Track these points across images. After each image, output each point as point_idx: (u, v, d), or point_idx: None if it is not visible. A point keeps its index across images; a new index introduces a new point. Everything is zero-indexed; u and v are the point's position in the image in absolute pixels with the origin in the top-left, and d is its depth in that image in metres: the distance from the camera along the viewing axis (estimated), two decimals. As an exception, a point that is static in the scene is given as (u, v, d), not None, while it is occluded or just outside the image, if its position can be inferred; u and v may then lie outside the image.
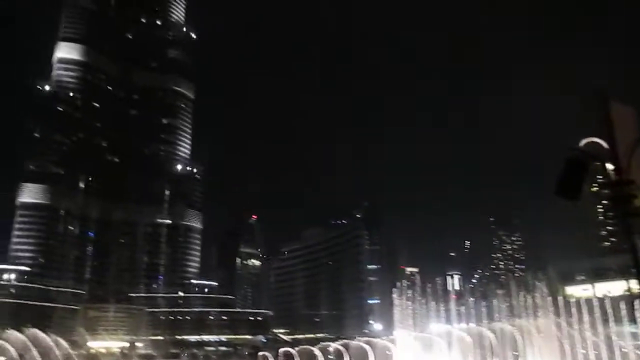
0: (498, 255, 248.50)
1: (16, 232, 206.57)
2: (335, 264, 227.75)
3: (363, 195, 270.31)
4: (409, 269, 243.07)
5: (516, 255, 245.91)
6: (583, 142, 11.09)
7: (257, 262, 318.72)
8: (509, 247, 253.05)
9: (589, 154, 9.94)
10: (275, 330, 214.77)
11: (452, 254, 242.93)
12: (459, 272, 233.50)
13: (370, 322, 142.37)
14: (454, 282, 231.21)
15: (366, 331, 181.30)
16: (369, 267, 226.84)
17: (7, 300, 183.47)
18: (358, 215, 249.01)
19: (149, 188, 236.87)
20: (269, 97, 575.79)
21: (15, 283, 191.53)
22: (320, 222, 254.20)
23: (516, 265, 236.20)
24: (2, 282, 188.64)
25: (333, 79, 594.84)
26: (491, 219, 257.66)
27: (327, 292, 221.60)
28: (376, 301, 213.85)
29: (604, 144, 10.13)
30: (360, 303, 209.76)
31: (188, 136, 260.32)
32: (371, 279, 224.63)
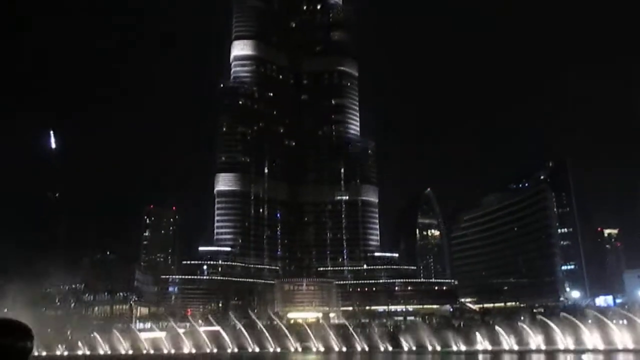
0: None
1: (217, 218, 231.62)
2: (520, 229, 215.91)
3: (545, 155, 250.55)
4: (607, 231, 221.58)
5: None
6: None
7: (436, 232, 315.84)
8: None
9: None
10: (462, 300, 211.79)
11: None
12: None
13: (567, 289, 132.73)
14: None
15: (562, 299, 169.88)
16: (560, 231, 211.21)
17: (216, 277, 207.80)
18: (542, 177, 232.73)
19: (326, 167, 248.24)
20: (431, 59, 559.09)
21: (222, 263, 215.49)
22: (499, 187, 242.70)
23: None
24: (211, 263, 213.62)
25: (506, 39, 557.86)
26: None
27: (514, 259, 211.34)
28: (571, 267, 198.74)
29: None
30: (552, 270, 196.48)
31: (356, 114, 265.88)
32: (563, 243, 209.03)
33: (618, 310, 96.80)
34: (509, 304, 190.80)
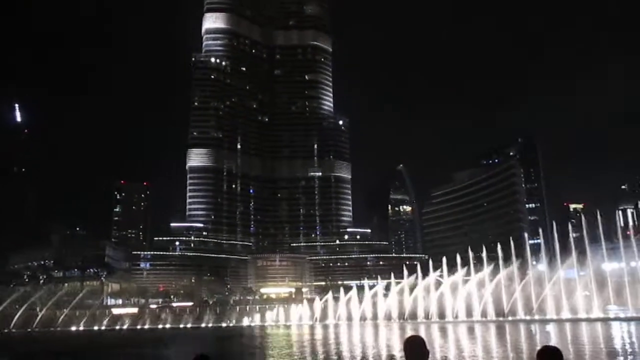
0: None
1: (189, 194, 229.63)
2: (490, 204, 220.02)
3: (516, 132, 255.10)
4: (573, 206, 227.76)
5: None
6: None
7: (408, 208, 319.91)
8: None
9: None
10: (432, 273, 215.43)
11: (624, 187, 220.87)
12: (632, 206, 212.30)
13: (533, 263, 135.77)
14: (627, 217, 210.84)
15: (529, 272, 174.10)
16: (528, 206, 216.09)
17: (189, 254, 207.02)
18: (512, 153, 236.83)
19: (299, 143, 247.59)
20: (409, 37, 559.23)
21: (194, 238, 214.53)
22: (471, 163, 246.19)
23: None
24: (183, 239, 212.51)
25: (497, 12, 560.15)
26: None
27: (484, 234, 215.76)
28: (538, 241, 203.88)
29: None
30: (520, 243, 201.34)
31: (330, 89, 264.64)
32: (531, 218, 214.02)
33: (581, 282, 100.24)
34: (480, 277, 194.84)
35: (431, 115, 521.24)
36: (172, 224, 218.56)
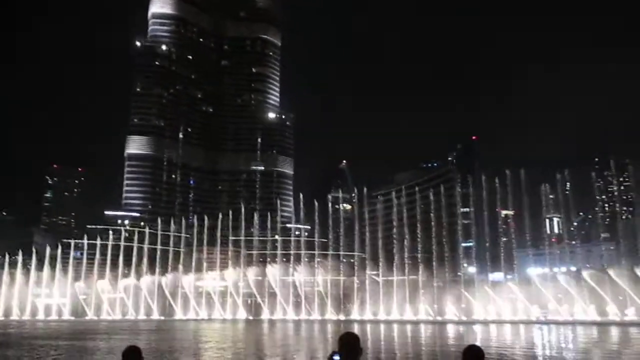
0: (603, 197, 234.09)
1: (126, 182, 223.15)
2: (426, 207, 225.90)
3: (456, 137, 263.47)
4: (504, 212, 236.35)
5: (623, 197, 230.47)
6: None
7: (348, 206, 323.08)
8: (615, 188, 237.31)
9: None
10: (368, 272, 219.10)
11: (552, 197, 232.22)
12: (558, 215, 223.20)
13: (464, 265, 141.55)
14: (554, 225, 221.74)
15: (460, 274, 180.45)
16: (463, 210, 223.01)
17: (123, 243, 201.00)
18: (450, 158, 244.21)
19: (243, 136, 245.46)
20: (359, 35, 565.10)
21: (129, 228, 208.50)
22: (412, 166, 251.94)
23: (623, 208, 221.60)
24: (118, 228, 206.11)
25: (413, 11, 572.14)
26: (596, 159, 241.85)
27: (420, 235, 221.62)
28: (470, 244, 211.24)
29: None
30: (454, 246, 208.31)
31: (277, 84, 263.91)
32: (465, 222, 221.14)
33: (507, 286, 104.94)
34: (412, 277, 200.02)
35: (376, 116, 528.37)
36: (106, 212, 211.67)
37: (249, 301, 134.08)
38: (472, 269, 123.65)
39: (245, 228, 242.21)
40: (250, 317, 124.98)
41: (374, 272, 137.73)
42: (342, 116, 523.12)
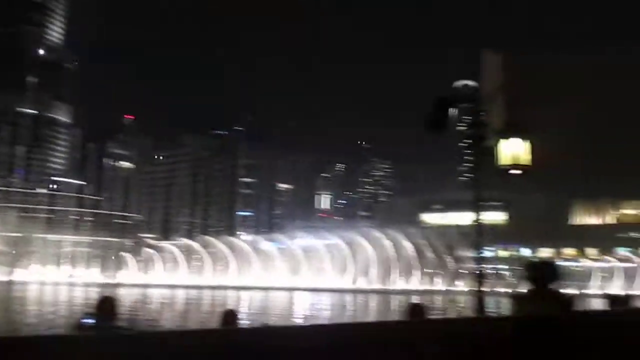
0: (368, 180, 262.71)
1: None
2: (211, 173, 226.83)
3: (249, 106, 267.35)
4: (283, 185, 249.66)
5: (384, 182, 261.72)
6: (459, 84, 12.29)
7: (129, 165, 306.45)
8: (379, 173, 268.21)
9: (457, 95, 11.11)
10: (141, 235, 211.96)
11: (326, 175, 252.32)
12: (329, 193, 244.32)
13: (239, 233, 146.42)
14: (323, 201, 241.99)
15: (238, 242, 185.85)
16: (244, 180, 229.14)
17: None
18: (238, 127, 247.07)
19: (14, 73, 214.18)
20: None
21: None
22: (200, 130, 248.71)
23: (383, 192, 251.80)
24: None
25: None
26: (367, 145, 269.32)
27: (200, 201, 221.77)
28: (248, 214, 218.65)
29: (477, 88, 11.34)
30: (230, 214, 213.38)
31: (63, 20, 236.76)
32: (245, 191, 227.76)
33: (279, 254, 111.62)
34: (187, 242, 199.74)
35: (167, 72, 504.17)
36: None
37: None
38: (247, 237, 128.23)
39: (4, 176, 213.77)
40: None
41: (149, 235, 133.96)
42: (138, 70, 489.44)
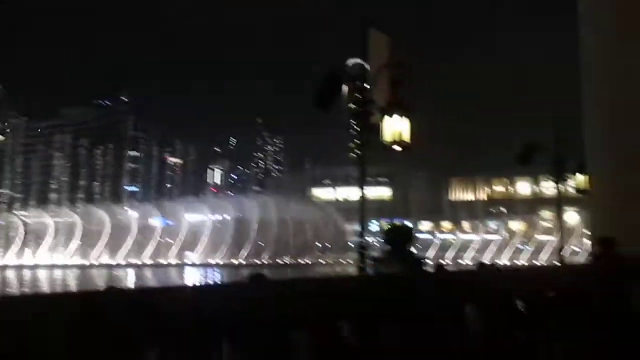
0: (260, 155, 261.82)
1: None
2: (95, 147, 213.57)
3: (134, 76, 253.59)
4: (172, 159, 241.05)
5: (276, 157, 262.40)
6: (349, 62, 12.73)
7: (1, 137, 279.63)
8: (271, 148, 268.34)
9: (346, 72, 11.46)
10: (16, 212, 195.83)
11: (217, 150, 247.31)
12: (221, 168, 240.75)
13: (125, 208, 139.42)
14: (215, 176, 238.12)
15: (120, 217, 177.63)
16: (131, 153, 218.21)
17: None
18: (124, 98, 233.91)
19: None
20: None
21: None
22: (82, 100, 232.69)
23: (275, 166, 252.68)
24: None
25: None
26: (259, 120, 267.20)
27: (83, 175, 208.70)
28: (135, 189, 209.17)
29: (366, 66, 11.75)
30: (116, 190, 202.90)
31: None
32: (132, 165, 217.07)
33: (166, 230, 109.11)
34: (68, 220, 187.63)
35: (40, 39, 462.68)
36: None
37: None
38: (132, 213, 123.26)
39: None
40: None
41: (25, 213, 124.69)
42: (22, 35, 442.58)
